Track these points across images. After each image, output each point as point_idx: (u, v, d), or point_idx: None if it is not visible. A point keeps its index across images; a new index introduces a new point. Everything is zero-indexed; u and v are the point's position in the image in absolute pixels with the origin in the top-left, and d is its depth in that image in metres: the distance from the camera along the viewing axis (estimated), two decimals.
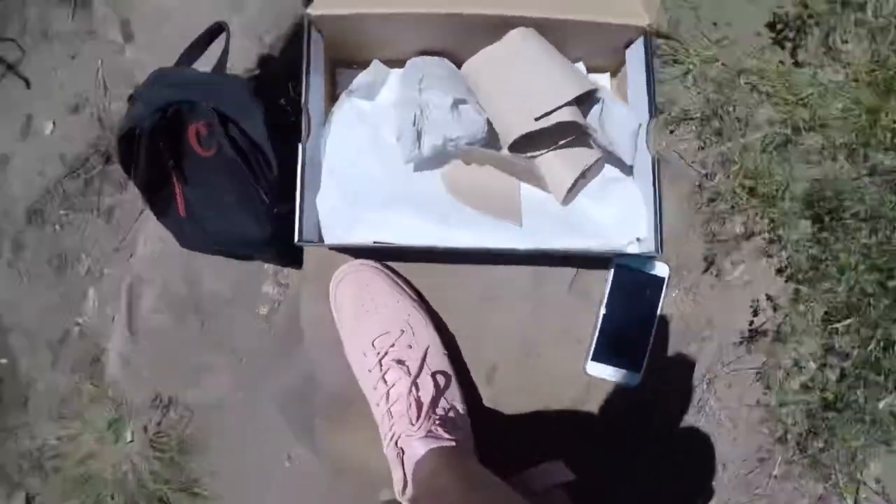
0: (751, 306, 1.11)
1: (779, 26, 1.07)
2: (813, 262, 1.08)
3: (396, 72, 0.79)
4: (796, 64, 1.07)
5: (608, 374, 0.85)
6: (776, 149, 1.07)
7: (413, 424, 0.63)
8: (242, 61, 1.09)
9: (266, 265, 1.12)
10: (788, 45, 1.08)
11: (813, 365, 1.10)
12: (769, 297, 1.11)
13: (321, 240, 0.72)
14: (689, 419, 1.06)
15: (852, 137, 1.04)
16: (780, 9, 1.07)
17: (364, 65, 0.79)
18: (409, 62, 0.78)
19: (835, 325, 1.06)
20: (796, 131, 1.05)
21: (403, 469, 0.64)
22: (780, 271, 1.11)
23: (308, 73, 0.68)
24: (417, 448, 0.64)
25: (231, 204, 0.95)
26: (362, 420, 0.74)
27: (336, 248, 0.74)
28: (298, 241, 0.68)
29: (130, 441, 1.16)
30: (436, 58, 0.77)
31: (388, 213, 0.71)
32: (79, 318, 1.23)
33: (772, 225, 1.10)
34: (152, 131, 0.87)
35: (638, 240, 0.72)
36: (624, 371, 0.85)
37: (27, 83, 1.27)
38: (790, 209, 1.08)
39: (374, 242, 0.71)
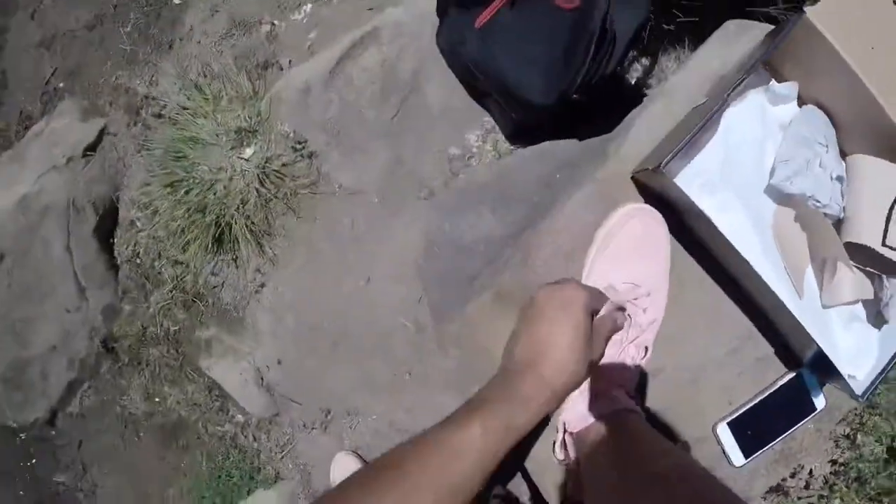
0: (793, 468, 1.16)
1: None
2: (862, 478, 1.15)
3: (794, 104, 0.81)
4: None
5: (726, 441, 0.88)
6: None
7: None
8: None
9: (487, 118, 1.07)
10: None
11: None
12: (811, 473, 1.17)
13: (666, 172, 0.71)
14: None
15: None
16: None
17: (771, 69, 0.80)
18: (811, 107, 0.79)
19: None
20: None
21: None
22: (833, 462, 1.17)
23: (767, 53, 0.70)
24: (619, 399, 0.65)
25: (538, 56, 0.90)
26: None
27: (676, 193, 0.73)
28: (663, 167, 0.66)
29: (246, 159, 1.10)
30: (830, 124, 0.79)
31: (738, 207, 0.74)
32: (278, 20, 1.15)
33: (859, 426, 1.16)
34: None
35: (850, 376, 0.77)
36: (737, 450, 0.89)
37: None
38: (881, 428, 1.14)
39: (708, 217, 0.71)
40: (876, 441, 1.14)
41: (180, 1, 1.16)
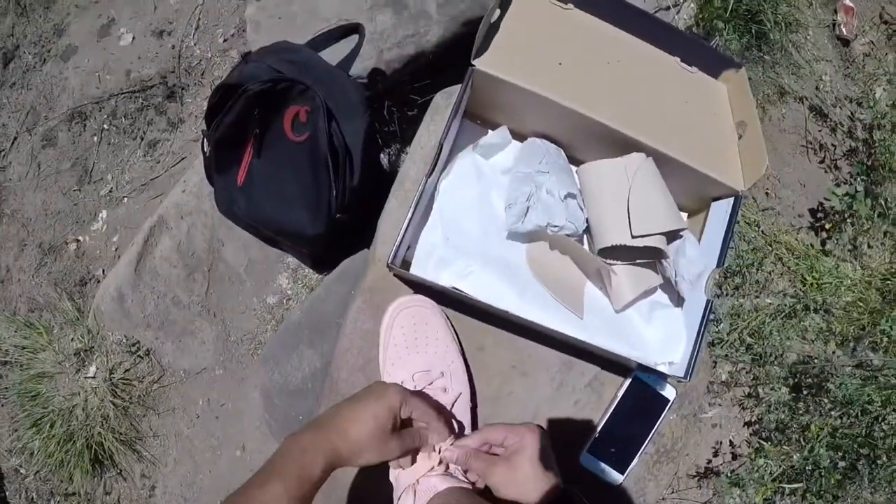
0: (713, 447, 1.18)
1: (819, 215, 1.19)
2: (780, 425, 1.17)
3: (516, 143, 0.83)
4: (823, 252, 1.19)
5: (597, 468, 0.89)
6: (782, 318, 1.17)
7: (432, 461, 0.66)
8: (355, 69, 1.10)
9: (289, 259, 1.12)
10: (822, 233, 1.19)
11: None
12: (732, 444, 1.19)
13: (404, 266, 0.74)
14: None
15: (850, 330, 1.14)
16: (827, 201, 1.19)
17: (486, 122, 0.83)
18: (530, 140, 0.82)
19: (784, 486, 1.14)
20: (805, 309, 1.16)
21: (415, 498, 0.66)
22: (748, 424, 1.19)
23: (454, 115, 0.71)
24: (436, 483, 0.66)
25: (294, 193, 0.95)
26: None
27: (413, 279, 0.76)
28: (391, 263, 0.70)
29: (92, 377, 1.11)
30: (554, 146, 0.83)
31: (476, 268, 0.75)
32: (81, 235, 1.19)
33: (755, 382, 1.19)
34: (255, 96, 0.87)
35: (670, 363, 0.78)
36: (611, 470, 0.90)
37: None
38: (775, 374, 1.17)
39: (453, 288, 0.73)
40: (772, 389, 1.17)
41: None
